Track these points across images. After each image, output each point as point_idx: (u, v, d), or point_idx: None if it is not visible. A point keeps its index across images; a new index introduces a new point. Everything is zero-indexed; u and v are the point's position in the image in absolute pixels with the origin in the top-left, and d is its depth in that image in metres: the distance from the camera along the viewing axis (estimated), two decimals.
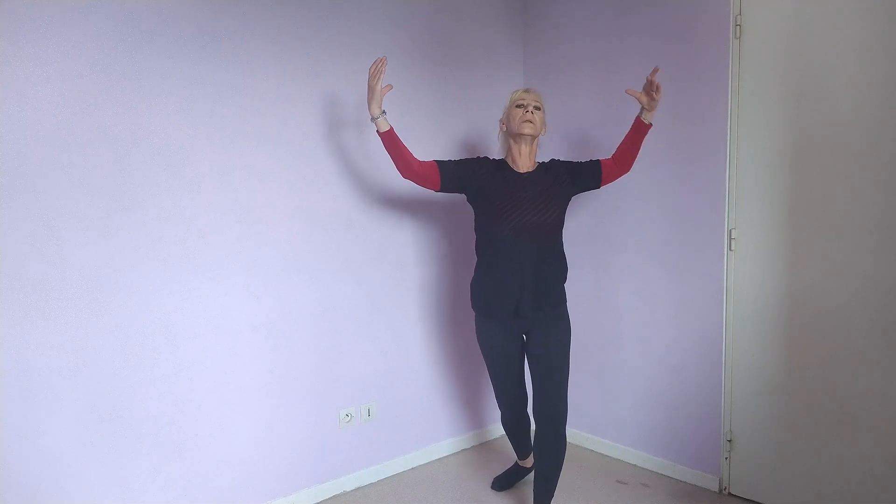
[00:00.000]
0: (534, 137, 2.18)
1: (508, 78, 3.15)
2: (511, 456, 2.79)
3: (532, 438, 2.42)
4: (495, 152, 2.62)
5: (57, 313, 1.88)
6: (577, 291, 3.02)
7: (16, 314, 1.81)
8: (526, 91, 2.22)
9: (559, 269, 2.21)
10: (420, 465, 2.86)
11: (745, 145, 2.38)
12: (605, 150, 2.83)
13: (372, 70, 2.02)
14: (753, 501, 2.44)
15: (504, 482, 2.62)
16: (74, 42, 1.87)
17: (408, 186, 2.68)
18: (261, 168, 2.30)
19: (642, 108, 2.18)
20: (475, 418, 3.11)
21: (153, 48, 2.02)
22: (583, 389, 3.03)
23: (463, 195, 2.32)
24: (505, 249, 2.12)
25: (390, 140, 2.10)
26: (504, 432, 2.59)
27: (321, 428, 2.53)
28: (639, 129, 2.21)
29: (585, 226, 2.95)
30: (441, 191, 2.19)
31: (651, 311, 2.73)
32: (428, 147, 2.79)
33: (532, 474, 2.51)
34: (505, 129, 2.24)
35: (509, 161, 2.23)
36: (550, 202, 2.15)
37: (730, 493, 2.51)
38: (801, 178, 2.24)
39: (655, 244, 2.69)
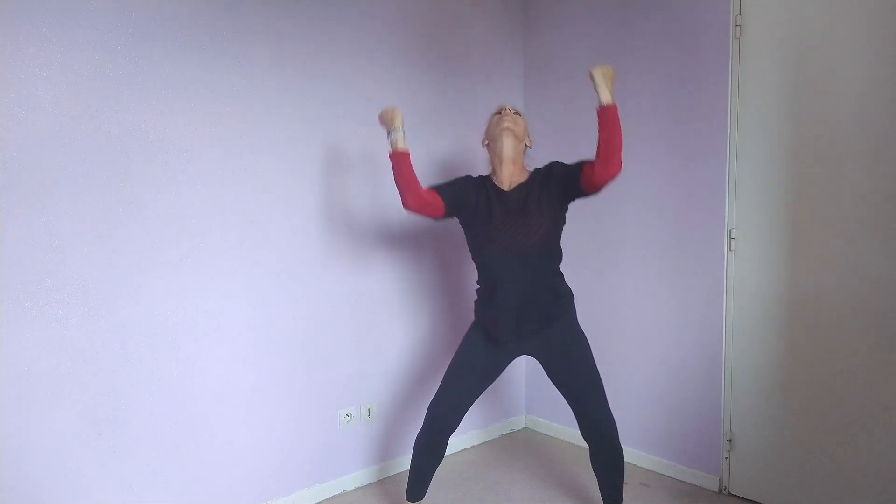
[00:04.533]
0: (516, 144, 2.03)
1: (508, 79, 3.15)
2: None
3: (431, 476, 2.22)
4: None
5: (57, 313, 1.88)
6: (578, 292, 3.02)
7: (16, 314, 1.81)
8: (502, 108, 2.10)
9: (551, 288, 2.04)
10: None
11: (745, 145, 2.38)
12: None
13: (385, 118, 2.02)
14: (753, 501, 2.45)
15: None
16: (74, 42, 1.87)
17: None
18: (261, 169, 2.30)
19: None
20: (475, 418, 3.11)
21: (153, 48, 2.02)
22: None
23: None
24: (495, 272, 2.02)
25: (403, 163, 1.97)
26: (416, 458, 2.18)
27: (321, 428, 2.53)
28: (601, 116, 1.85)
29: (585, 226, 2.96)
30: (443, 218, 2.07)
31: (651, 312, 2.73)
32: (428, 149, 2.79)
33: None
34: (488, 147, 2.12)
35: (494, 178, 2.09)
36: (537, 218, 1.98)
37: (730, 493, 2.51)
38: (801, 178, 2.24)
39: (655, 244, 2.69)
